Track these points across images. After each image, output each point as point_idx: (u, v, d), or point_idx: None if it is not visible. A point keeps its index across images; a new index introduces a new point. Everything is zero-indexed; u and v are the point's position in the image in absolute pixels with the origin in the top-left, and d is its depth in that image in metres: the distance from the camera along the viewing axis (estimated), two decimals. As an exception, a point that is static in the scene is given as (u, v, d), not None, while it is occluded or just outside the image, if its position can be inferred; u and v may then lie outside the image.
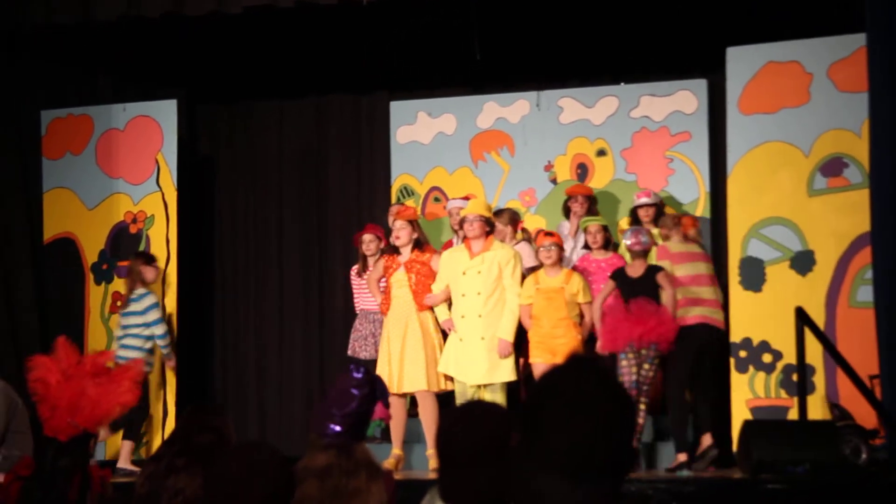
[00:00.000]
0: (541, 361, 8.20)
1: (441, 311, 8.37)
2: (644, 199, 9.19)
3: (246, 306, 11.09)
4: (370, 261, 9.06)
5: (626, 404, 2.15)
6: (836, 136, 8.37)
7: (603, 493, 2.06)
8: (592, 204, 9.38)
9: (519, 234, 9.14)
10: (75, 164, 10.27)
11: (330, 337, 10.71)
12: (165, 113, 10.10)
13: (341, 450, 3.49)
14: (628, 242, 8.28)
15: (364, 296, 9.09)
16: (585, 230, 8.89)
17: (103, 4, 9.02)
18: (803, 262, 8.39)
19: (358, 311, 9.19)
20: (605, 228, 8.87)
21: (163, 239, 10.06)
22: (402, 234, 8.48)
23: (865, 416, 7.53)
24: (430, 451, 8.22)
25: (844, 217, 8.15)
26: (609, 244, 8.91)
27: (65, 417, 3.65)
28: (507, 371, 8.16)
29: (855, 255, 7.90)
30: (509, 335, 8.17)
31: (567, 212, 9.40)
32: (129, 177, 10.17)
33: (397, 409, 8.38)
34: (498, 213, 9.09)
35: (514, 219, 9.13)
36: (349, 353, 9.02)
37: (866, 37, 7.40)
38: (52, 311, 10.18)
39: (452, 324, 8.29)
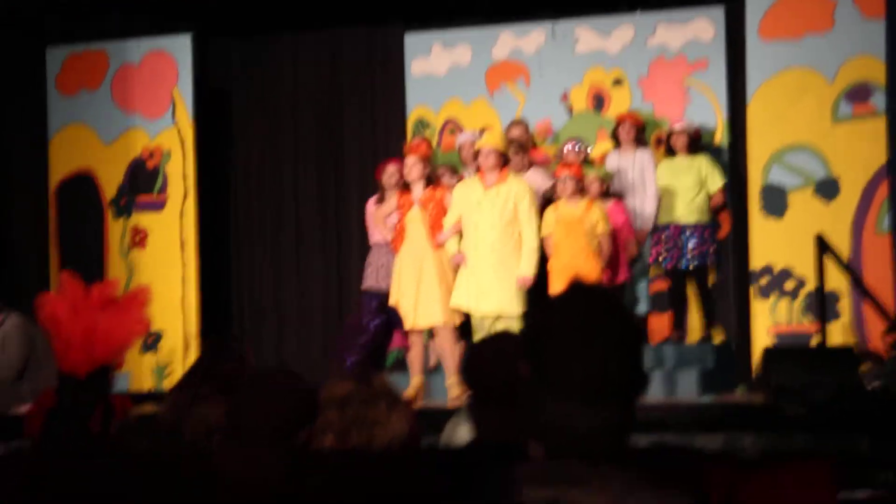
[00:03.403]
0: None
1: (451, 244, 8.35)
2: (678, 126, 9.15)
3: (263, 239, 11.08)
4: (390, 193, 9.04)
5: (635, 327, 2.13)
6: (862, 63, 8.27)
7: (617, 417, 2.05)
8: (640, 132, 9.31)
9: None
10: (91, 99, 10.25)
11: (347, 269, 10.71)
12: (180, 48, 10.05)
13: (360, 379, 3.47)
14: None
15: (379, 228, 9.08)
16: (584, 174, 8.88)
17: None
18: (828, 189, 8.33)
19: (373, 243, 9.18)
20: (602, 180, 8.82)
21: (180, 174, 10.06)
22: (414, 169, 8.45)
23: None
24: (450, 381, 8.25)
25: (871, 144, 8.07)
26: (608, 192, 8.87)
27: (80, 353, 3.64)
28: (520, 302, 8.15)
29: (882, 182, 7.82)
30: (530, 272, 8.15)
31: (616, 139, 9.34)
32: (145, 112, 10.15)
33: (415, 340, 8.41)
34: (511, 125, 9.06)
35: (523, 146, 9.07)
36: (364, 286, 9.03)
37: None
38: (71, 248, 10.20)
39: (463, 257, 8.27)
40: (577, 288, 2.13)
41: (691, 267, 8.91)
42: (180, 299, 9.92)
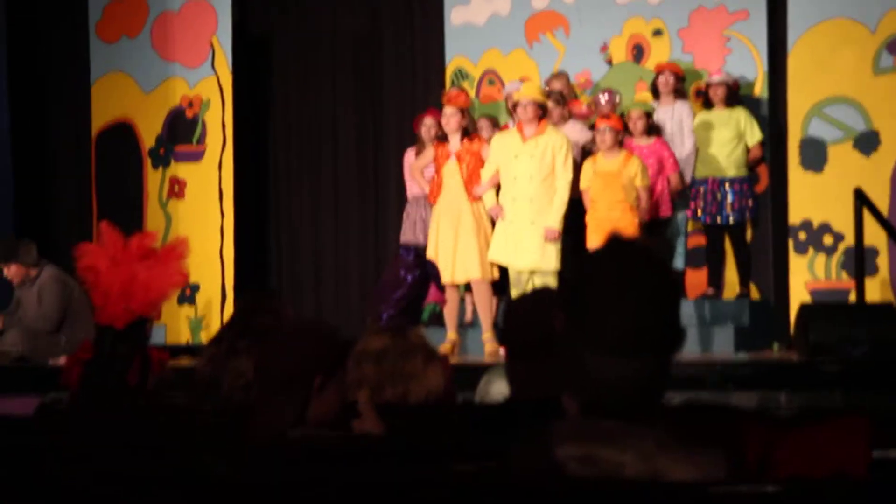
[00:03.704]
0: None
1: (488, 197, 8.32)
2: (716, 78, 9.08)
3: (301, 191, 11.09)
4: (427, 145, 9.01)
5: (672, 281, 2.13)
6: (906, 13, 8.17)
7: (652, 372, 2.05)
8: (679, 83, 9.23)
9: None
10: (131, 47, 10.27)
11: (385, 222, 10.71)
12: (220, -6, 10.03)
13: (396, 333, 3.49)
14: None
15: (417, 180, 9.06)
16: (627, 115, 8.84)
17: None
18: (868, 143, 8.25)
19: (410, 197, 9.16)
20: (647, 115, 8.81)
21: (219, 124, 10.07)
22: (451, 120, 8.41)
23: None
24: (486, 336, 8.25)
25: (913, 96, 7.99)
26: (653, 130, 8.85)
27: (118, 304, 3.66)
28: (557, 257, 8.13)
29: (922, 136, 7.74)
30: (557, 223, 8.12)
31: (655, 90, 9.28)
32: (184, 60, 10.16)
33: (451, 295, 8.41)
34: (553, 77, 9.07)
35: (563, 98, 9.03)
36: (402, 239, 9.02)
37: None
38: (109, 197, 10.26)
39: (500, 210, 8.24)
40: (614, 241, 2.13)
41: (730, 222, 8.86)
42: (218, 251, 9.96)
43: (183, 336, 10.09)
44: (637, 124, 8.80)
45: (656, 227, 8.75)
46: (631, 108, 8.86)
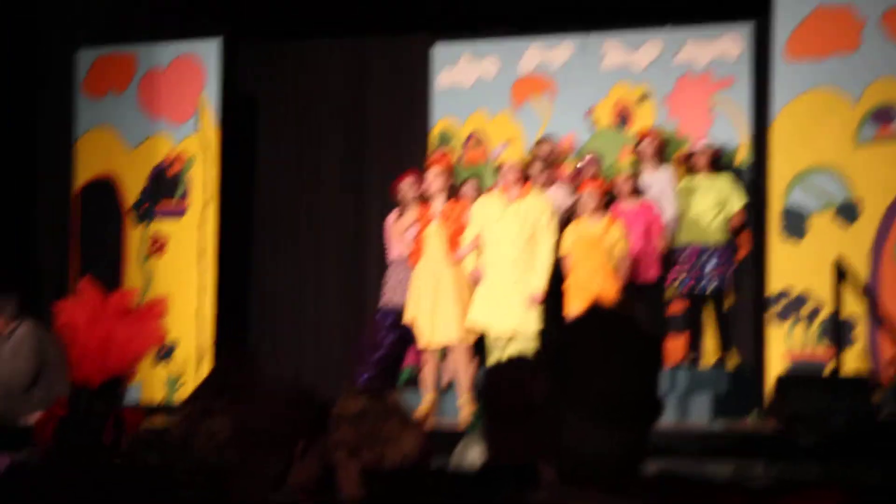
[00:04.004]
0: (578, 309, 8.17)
1: (470, 260, 8.32)
2: (700, 145, 9.15)
3: (283, 251, 11.08)
4: (409, 207, 9.03)
5: (655, 349, 2.13)
6: (888, 84, 8.25)
7: (631, 441, 2.05)
8: (662, 149, 9.30)
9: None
10: (117, 102, 10.29)
11: (366, 284, 10.69)
12: (208, 52, 10.08)
13: (373, 395, 3.47)
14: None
15: (398, 242, 9.07)
16: (613, 179, 8.92)
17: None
18: (848, 212, 8.29)
19: (392, 259, 9.15)
20: (633, 177, 8.89)
21: (201, 181, 10.07)
22: (435, 182, 8.43)
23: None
24: (463, 400, 8.21)
25: (893, 167, 8.02)
26: (639, 192, 8.92)
27: (95, 362, 3.65)
28: (536, 322, 8.11)
29: (903, 208, 7.78)
30: (540, 288, 8.12)
31: (638, 156, 9.33)
32: (170, 117, 10.19)
33: (429, 358, 8.38)
34: (538, 142, 9.12)
35: (549, 162, 9.07)
36: (382, 302, 8.99)
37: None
38: (90, 253, 10.23)
39: (481, 274, 8.24)
40: (598, 308, 2.14)
41: (709, 290, 8.88)
42: (196, 309, 9.93)
43: (159, 394, 10.04)
44: (623, 187, 8.86)
45: (641, 292, 8.77)
46: (618, 172, 8.93)
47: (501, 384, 3.02)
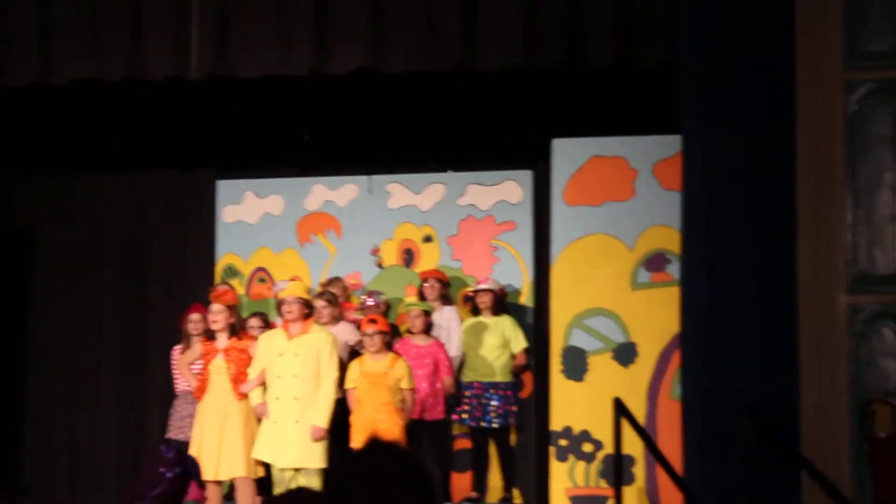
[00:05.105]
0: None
1: (255, 395, 8.25)
2: (482, 286, 9.32)
3: (61, 386, 10.75)
4: (194, 341, 8.92)
5: (427, 485, 2.16)
6: (660, 232, 8.60)
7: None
8: (445, 288, 9.44)
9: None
10: None
11: (147, 418, 10.46)
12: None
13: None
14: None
15: (184, 375, 8.93)
16: (406, 314, 9.00)
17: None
18: (625, 354, 8.55)
19: (178, 392, 9.02)
20: (426, 313, 9.00)
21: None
22: (219, 318, 8.37)
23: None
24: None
25: (667, 311, 8.32)
26: (430, 329, 9.04)
27: None
28: (321, 456, 8.07)
29: (677, 349, 8.05)
30: (324, 421, 8.08)
31: (421, 296, 9.45)
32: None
33: (213, 493, 8.23)
34: (329, 282, 9.17)
35: (335, 299, 9.12)
36: (168, 435, 8.83)
37: (681, 140, 7.53)
38: None
39: (266, 409, 8.18)
40: (374, 444, 2.16)
41: (494, 426, 9.00)
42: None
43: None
44: (416, 322, 8.96)
45: (427, 428, 8.82)
46: (410, 307, 9.03)
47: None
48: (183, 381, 8.91)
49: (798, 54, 7.09)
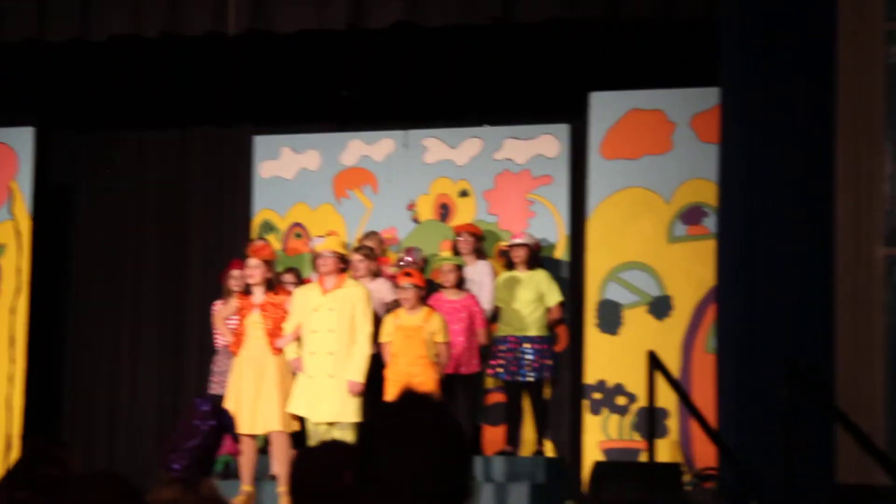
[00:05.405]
0: (397, 400, 8.15)
1: (290, 350, 8.29)
2: (517, 240, 9.31)
3: (99, 340, 10.85)
4: (231, 296, 8.95)
5: (459, 437, 2.15)
6: (697, 185, 8.56)
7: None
8: (479, 243, 9.43)
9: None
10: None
11: (185, 373, 10.53)
12: (22, 140, 9.90)
13: (187, 485, 3.41)
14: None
15: (221, 330, 8.97)
16: (439, 269, 9.01)
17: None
18: (661, 307, 8.53)
19: (219, 347, 9.07)
20: (458, 268, 9.00)
21: (14, 269, 9.81)
22: (255, 272, 8.39)
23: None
24: (282, 489, 8.12)
25: (703, 264, 8.28)
26: (462, 283, 9.04)
27: None
28: (356, 410, 8.10)
29: (712, 302, 8.01)
30: (360, 376, 8.11)
31: (455, 250, 9.45)
32: (-19, 204, 9.91)
33: (248, 446, 8.28)
34: (366, 236, 9.26)
35: (372, 254, 9.13)
36: (210, 390, 8.88)
37: (720, 92, 7.46)
38: None
39: (300, 363, 8.21)
40: (407, 396, 2.14)
41: (529, 379, 9.01)
42: (5, 398, 9.62)
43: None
44: (448, 277, 8.97)
45: (461, 382, 8.85)
46: (442, 262, 9.02)
47: (313, 468, 3.00)
48: (223, 337, 8.96)
49: (839, 4, 6.99)
